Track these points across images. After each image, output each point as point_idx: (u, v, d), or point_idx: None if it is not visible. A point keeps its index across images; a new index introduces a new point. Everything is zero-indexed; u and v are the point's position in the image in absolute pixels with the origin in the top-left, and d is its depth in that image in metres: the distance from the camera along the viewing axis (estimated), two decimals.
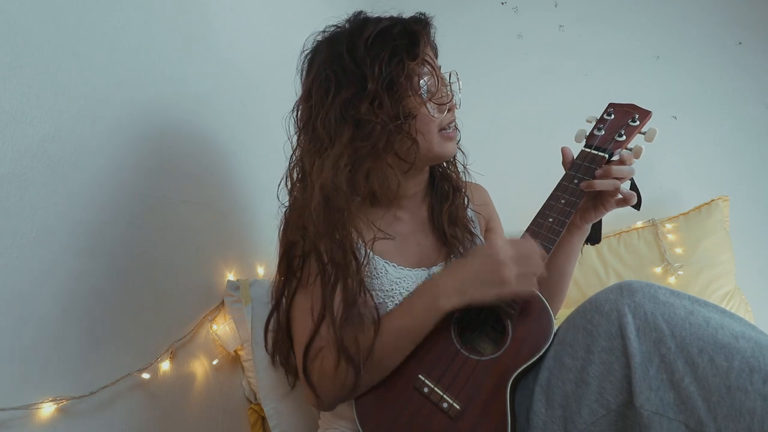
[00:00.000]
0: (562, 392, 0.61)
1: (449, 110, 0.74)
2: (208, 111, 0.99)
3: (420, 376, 0.68)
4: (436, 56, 0.79)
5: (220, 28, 1.05)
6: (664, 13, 1.58)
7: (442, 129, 0.74)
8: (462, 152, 0.87)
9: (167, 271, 0.83)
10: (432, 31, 0.77)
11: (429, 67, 0.71)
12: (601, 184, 0.71)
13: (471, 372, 0.66)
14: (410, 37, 0.70)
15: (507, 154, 1.60)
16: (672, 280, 1.34)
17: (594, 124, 0.79)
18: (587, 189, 0.72)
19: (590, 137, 0.78)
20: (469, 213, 0.89)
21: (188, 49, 0.94)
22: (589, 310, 0.62)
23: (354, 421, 0.69)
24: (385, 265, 0.77)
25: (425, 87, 0.71)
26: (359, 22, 0.72)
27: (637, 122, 0.75)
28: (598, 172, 0.72)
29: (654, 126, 0.74)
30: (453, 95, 0.74)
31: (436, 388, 0.66)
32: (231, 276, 1.00)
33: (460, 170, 0.88)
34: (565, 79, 1.66)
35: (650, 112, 0.76)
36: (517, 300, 0.67)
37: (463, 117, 0.87)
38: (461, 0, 1.77)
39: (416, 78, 0.70)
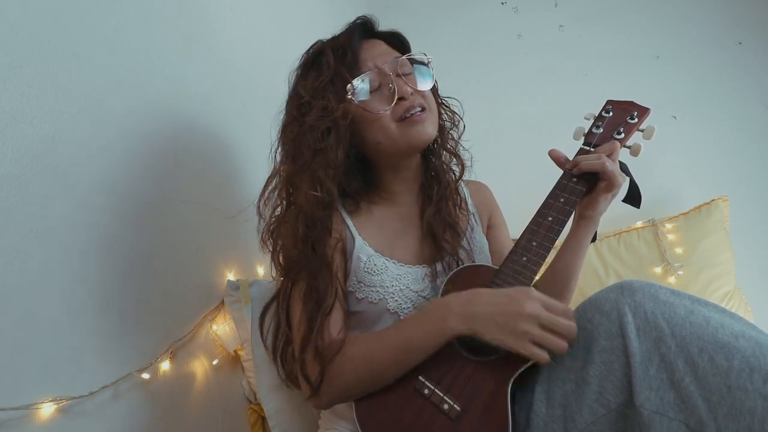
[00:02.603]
0: (562, 392, 0.61)
1: (400, 99, 0.73)
2: (209, 111, 0.99)
3: (420, 377, 0.67)
4: (398, 42, 0.82)
5: (220, 28, 1.05)
6: (664, 13, 1.58)
7: (399, 120, 0.73)
8: (464, 148, 0.87)
9: (167, 271, 0.83)
10: (374, 26, 0.81)
11: (364, 69, 0.74)
12: (587, 164, 0.70)
13: (471, 373, 0.66)
14: (342, 53, 0.74)
15: (507, 154, 1.60)
16: (672, 280, 1.34)
17: (592, 121, 0.79)
18: (572, 168, 0.73)
19: (588, 135, 0.77)
20: (471, 209, 0.89)
21: (188, 49, 0.94)
22: (589, 309, 0.61)
23: (354, 421, 0.69)
24: (386, 262, 0.77)
25: (360, 89, 0.73)
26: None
27: (636, 119, 0.75)
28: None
29: (652, 124, 0.73)
30: (395, 85, 0.72)
31: (436, 390, 0.66)
32: (231, 276, 1.00)
33: (456, 170, 0.87)
34: (565, 79, 1.66)
35: (649, 109, 0.75)
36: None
37: (463, 117, 0.87)
38: (461, 0, 1.77)
39: (346, 85, 0.72)
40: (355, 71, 0.74)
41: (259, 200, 0.77)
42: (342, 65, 0.73)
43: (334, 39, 0.77)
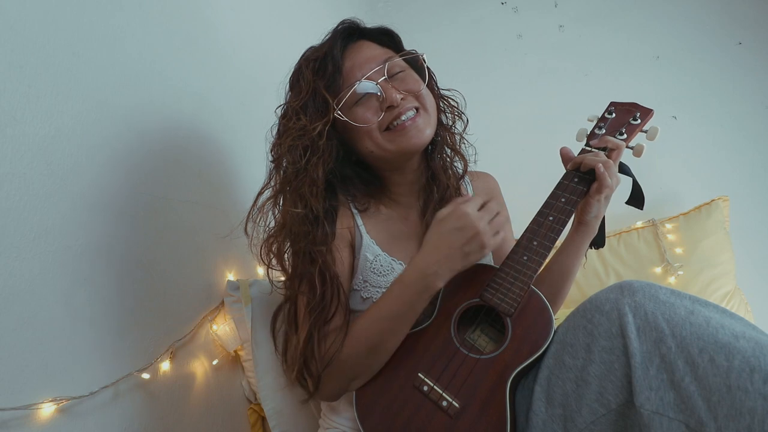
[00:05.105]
0: (562, 391, 0.61)
1: (389, 107, 0.72)
2: (208, 111, 0.99)
3: (420, 374, 0.68)
4: (388, 39, 0.79)
5: (220, 28, 1.05)
6: (664, 13, 1.58)
7: (387, 129, 0.73)
8: (467, 142, 0.86)
9: (167, 271, 0.83)
10: (359, 28, 0.78)
11: (348, 83, 0.72)
12: (590, 160, 0.70)
13: (470, 370, 0.66)
14: (322, 67, 0.73)
15: (507, 154, 1.60)
16: (672, 280, 1.34)
17: (595, 122, 0.79)
18: (572, 169, 0.73)
19: (591, 136, 0.77)
20: None
21: (188, 49, 0.94)
22: (590, 309, 0.61)
23: (354, 419, 0.69)
24: (392, 262, 0.77)
25: (345, 102, 0.72)
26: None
27: (639, 121, 0.75)
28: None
29: (655, 125, 0.73)
30: (383, 93, 0.72)
31: (435, 387, 0.66)
32: (231, 276, 1.00)
33: (459, 167, 0.86)
34: (565, 79, 1.66)
35: (652, 110, 0.75)
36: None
37: (465, 109, 0.87)
38: (461, 0, 1.77)
39: (326, 101, 0.71)
40: (338, 83, 0.72)
41: (247, 220, 0.76)
42: (322, 80, 0.72)
43: (315, 50, 0.75)
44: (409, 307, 0.69)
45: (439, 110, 0.82)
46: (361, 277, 0.77)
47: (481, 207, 0.69)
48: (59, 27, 0.66)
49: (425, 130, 0.74)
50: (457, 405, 0.65)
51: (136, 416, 0.73)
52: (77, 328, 0.66)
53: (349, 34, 0.77)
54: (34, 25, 0.63)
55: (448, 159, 0.85)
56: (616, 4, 1.63)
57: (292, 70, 0.78)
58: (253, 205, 0.76)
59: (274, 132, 0.79)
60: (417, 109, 0.74)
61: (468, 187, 0.90)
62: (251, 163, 1.10)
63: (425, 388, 0.67)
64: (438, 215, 0.70)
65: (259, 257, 0.77)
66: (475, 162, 0.88)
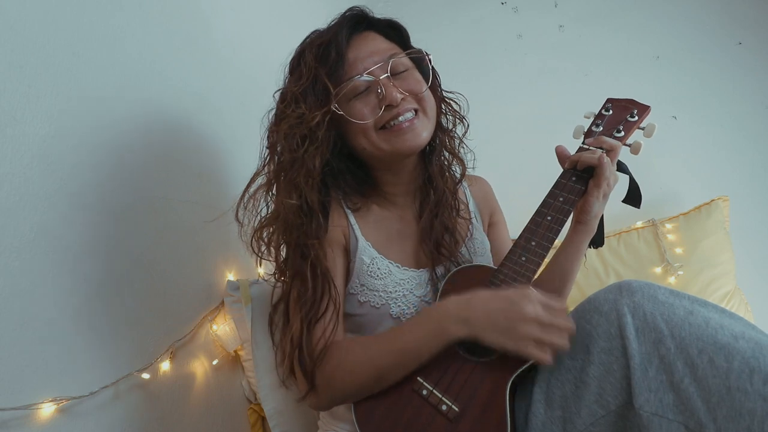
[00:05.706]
0: (561, 393, 0.61)
1: (387, 106, 0.69)
2: (208, 110, 0.99)
3: (419, 378, 0.67)
4: (395, 32, 0.77)
5: (220, 28, 1.05)
6: (664, 13, 1.58)
7: (383, 128, 0.71)
8: (467, 147, 0.85)
9: (167, 271, 0.83)
10: (367, 17, 0.75)
11: (347, 76, 0.70)
12: (587, 157, 0.70)
13: (470, 374, 0.66)
14: (325, 53, 0.70)
15: (506, 154, 1.60)
16: (672, 280, 1.34)
17: (592, 119, 0.78)
18: (570, 168, 0.73)
19: (588, 133, 0.77)
20: (471, 207, 0.88)
21: (188, 49, 0.94)
22: (588, 310, 0.61)
23: (353, 422, 0.69)
24: (389, 265, 0.76)
25: (344, 95, 0.70)
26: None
27: (636, 117, 0.74)
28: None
29: (653, 122, 0.73)
30: (384, 91, 0.69)
31: (434, 391, 0.66)
32: (231, 276, 1.00)
33: (457, 171, 0.85)
34: (565, 79, 1.66)
35: (649, 107, 0.75)
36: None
37: (468, 113, 0.86)
38: (461, 0, 1.77)
39: (326, 90, 0.69)
40: (340, 72, 0.69)
41: (238, 206, 0.73)
42: (324, 66, 0.69)
43: (320, 35, 0.72)
44: (419, 345, 0.65)
45: (440, 113, 0.81)
46: (357, 281, 0.75)
47: (548, 308, 0.61)
48: (59, 27, 0.66)
49: (422, 133, 0.72)
50: (456, 409, 0.64)
51: (136, 416, 0.73)
52: (77, 328, 0.66)
53: (356, 22, 0.74)
54: (34, 25, 0.62)
55: (446, 163, 0.83)
56: (616, 4, 1.62)
57: (294, 52, 0.75)
58: (245, 191, 0.73)
59: (271, 116, 0.76)
60: (416, 111, 0.72)
61: (466, 191, 0.90)
62: (251, 163, 1.10)
63: (424, 392, 0.66)
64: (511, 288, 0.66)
65: (249, 246, 0.75)
66: (473, 168, 0.87)
